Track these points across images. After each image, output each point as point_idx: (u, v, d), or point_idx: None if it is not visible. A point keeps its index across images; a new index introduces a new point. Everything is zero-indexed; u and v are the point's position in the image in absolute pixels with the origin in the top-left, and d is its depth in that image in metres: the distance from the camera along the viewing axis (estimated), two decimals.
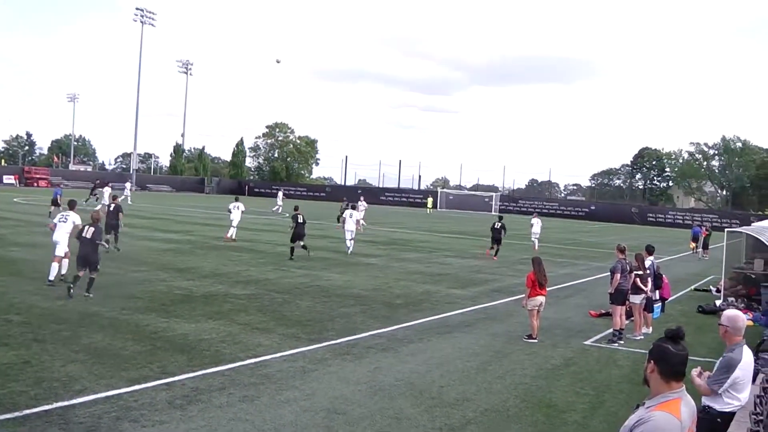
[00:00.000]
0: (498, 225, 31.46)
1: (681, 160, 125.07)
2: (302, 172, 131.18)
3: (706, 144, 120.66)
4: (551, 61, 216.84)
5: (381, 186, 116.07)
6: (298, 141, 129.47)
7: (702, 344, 14.19)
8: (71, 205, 18.68)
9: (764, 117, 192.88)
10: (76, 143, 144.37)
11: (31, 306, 14.62)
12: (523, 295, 15.35)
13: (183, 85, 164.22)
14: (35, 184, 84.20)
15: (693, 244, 42.67)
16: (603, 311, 17.67)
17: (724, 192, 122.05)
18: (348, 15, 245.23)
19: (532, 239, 37.48)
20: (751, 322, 17.40)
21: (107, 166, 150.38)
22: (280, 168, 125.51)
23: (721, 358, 7.14)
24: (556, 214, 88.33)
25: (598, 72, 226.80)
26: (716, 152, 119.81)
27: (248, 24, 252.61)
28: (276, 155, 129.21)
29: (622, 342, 14.88)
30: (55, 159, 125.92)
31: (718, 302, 20.22)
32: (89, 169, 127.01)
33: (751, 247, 25.05)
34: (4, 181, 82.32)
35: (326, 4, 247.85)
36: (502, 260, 30.15)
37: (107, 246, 19.23)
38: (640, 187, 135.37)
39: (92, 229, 16.52)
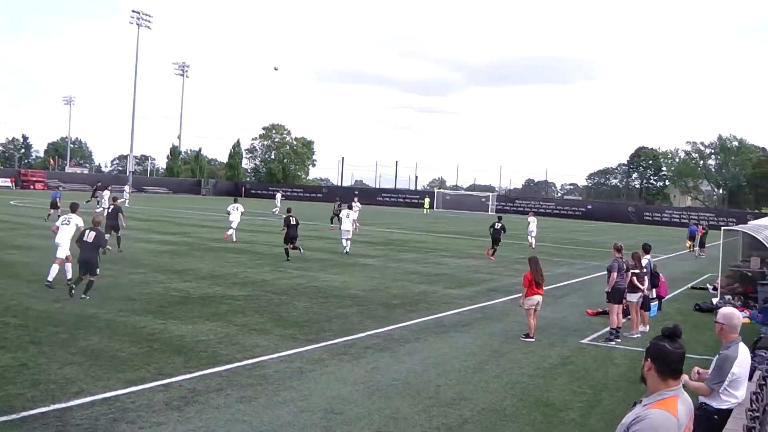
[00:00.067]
0: (498, 225, 31.57)
1: (677, 159, 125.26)
2: (299, 173, 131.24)
3: (702, 143, 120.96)
4: (547, 62, 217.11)
5: (378, 187, 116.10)
6: (295, 142, 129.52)
7: (699, 342, 14.20)
8: (73, 208, 18.70)
9: (760, 116, 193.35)
10: (72, 146, 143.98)
11: (28, 308, 14.60)
12: (520, 295, 15.36)
13: (179, 88, 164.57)
14: (31, 187, 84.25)
15: (689, 243, 42.74)
16: (600, 310, 17.68)
17: (721, 191, 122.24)
18: (344, 16, 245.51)
19: (529, 238, 37.78)
20: (747, 320, 17.43)
21: (104, 169, 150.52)
22: (277, 169, 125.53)
23: (717, 356, 7.15)
24: (553, 213, 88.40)
25: (594, 72, 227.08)
26: (713, 151, 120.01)
27: (244, 26, 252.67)
28: (272, 157, 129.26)
29: (619, 340, 14.89)
30: (51, 162, 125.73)
31: (714, 300, 20.25)
32: (86, 171, 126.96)
33: (748, 245, 25.12)
34: (1, 183, 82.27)
35: (322, 6, 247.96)
36: (499, 260, 30.16)
37: (110, 249, 19.24)
38: (637, 186, 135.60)
39: (93, 233, 16.56)
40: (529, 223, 38.38)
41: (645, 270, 16.39)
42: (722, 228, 24.12)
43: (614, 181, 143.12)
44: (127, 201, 55.54)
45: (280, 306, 16.63)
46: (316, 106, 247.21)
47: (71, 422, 8.29)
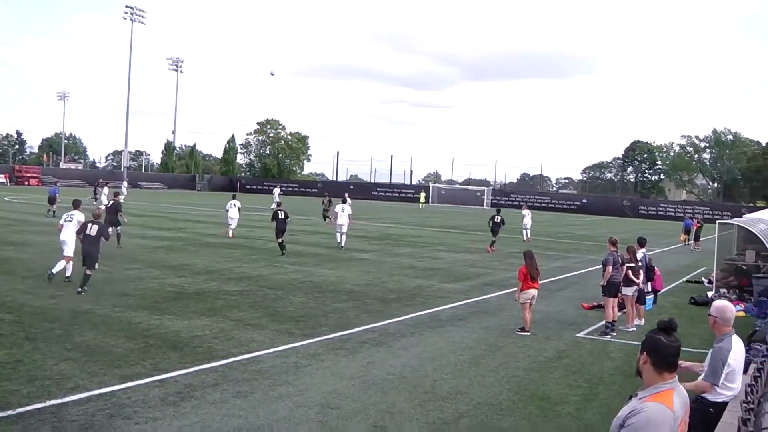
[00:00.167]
0: (497, 218, 32.10)
1: (672, 153, 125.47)
2: (294, 168, 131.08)
3: (697, 137, 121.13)
4: (542, 56, 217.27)
5: (373, 181, 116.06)
6: (289, 137, 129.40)
7: (694, 335, 14.21)
8: (76, 205, 18.80)
9: (755, 109, 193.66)
10: (66, 142, 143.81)
11: (23, 305, 14.57)
12: (516, 289, 15.37)
13: (173, 83, 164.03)
14: (26, 183, 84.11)
15: (684, 237, 42.82)
16: (595, 304, 17.72)
17: (716, 184, 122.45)
18: (338, 11, 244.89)
19: (524, 232, 38.00)
20: (742, 313, 17.49)
21: (98, 165, 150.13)
22: (272, 164, 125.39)
23: (711, 350, 7.17)
24: (548, 207, 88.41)
25: (588, 66, 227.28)
26: (707, 145, 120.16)
27: (239, 21, 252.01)
28: (267, 152, 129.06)
29: (614, 334, 14.91)
30: (45, 158, 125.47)
31: (710, 293, 20.29)
32: (80, 167, 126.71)
33: (743, 238, 25.16)
34: None
35: (316, 0, 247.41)
36: (494, 254, 30.20)
37: (118, 237, 19.17)
38: (632, 180, 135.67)
39: (96, 226, 16.79)
40: (523, 216, 38.76)
41: (640, 263, 16.40)
42: (717, 221, 24.17)
43: (609, 175, 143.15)
44: (122, 197, 55.46)
45: (276, 301, 16.63)
46: (310, 101, 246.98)
47: (67, 418, 8.28)
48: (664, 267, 24.32)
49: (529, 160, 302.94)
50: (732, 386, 7.03)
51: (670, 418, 4.07)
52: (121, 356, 11.10)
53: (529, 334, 14.45)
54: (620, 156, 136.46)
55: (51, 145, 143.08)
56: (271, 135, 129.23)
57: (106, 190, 44.33)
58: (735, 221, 25.56)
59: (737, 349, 7.14)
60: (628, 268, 15.66)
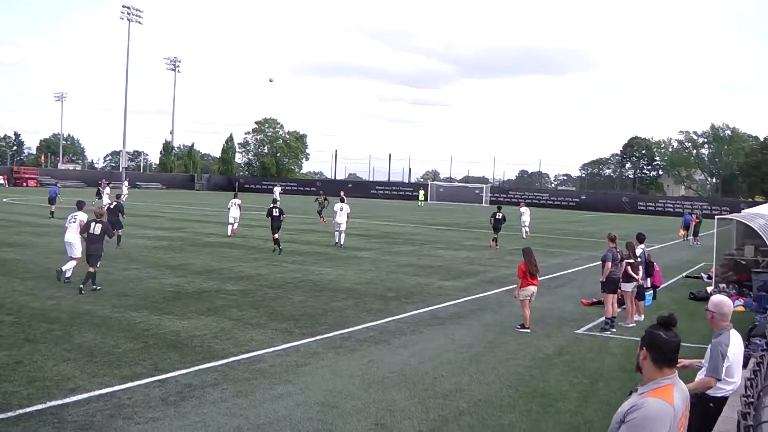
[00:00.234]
0: (499, 215, 32.40)
1: (671, 149, 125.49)
2: (292, 167, 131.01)
3: (695, 132, 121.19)
4: (539, 52, 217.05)
5: (371, 180, 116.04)
6: (288, 136, 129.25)
7: (694, 331, 14.22)
8: (80, 206, 19.00)
9: (753, 105, 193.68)
10: (64, 142, 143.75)
11: (22, 306, 14.57)
12: (515, 286, 15.38)
13: (171, 83, 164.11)
14: (24, 184, 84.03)
15: (683, 232, 42.82)
16: (595, 300, 17.72)
17: (714, 180, 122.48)
18: (335, 9, 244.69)
19: (523, 229, 38.05)
20: (742, 308, 17.54)
21: (96, 165, 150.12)
22: (270, 163, 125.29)
23: (710, 345, 7.17)
24: (547, 204, 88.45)
25: (587, 62, 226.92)
26: (705, 140, 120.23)
27: (235, 20, 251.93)
28: (266, 151, 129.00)
29: (614, 330, 14.93)
30: (42, 159, 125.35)
31: (709, 289, 20.29)
32: (78, 168, 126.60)
33: (742, 233, 25.15)
34: None
35: None
36: (494, 251, 30.24)
37: (119, 239, 19.29)
38: (630, 176, 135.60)
39: (99, 225, 17.00)
40: (521, 214, 38.88)
41: (639, 259, 16.42)
42: (716, 217, 24.17)
43: (608, 172, 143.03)
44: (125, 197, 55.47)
45: (276, 300, 16.63)
46: (308, 99, 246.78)
47: (68, 419, 8.28)
48: (664, 263, 24.36)
49: (528, 157, 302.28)
50: (731, 380, 7.03)
51: (671, 413, 4.07)
52: (121, 356, 11.10)
53: (528, 331, 14.46)
54: (618, 152, 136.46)
55: (49, 146, 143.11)
56: (270, 134, 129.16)
57: (108, 189, 44.35)
58: (734, 216, 25.52)
59: (736, 343, 7.15)
60: (628, 264, 15.68)
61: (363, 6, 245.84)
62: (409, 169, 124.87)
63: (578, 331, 14.94)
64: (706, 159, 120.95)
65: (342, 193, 36.13)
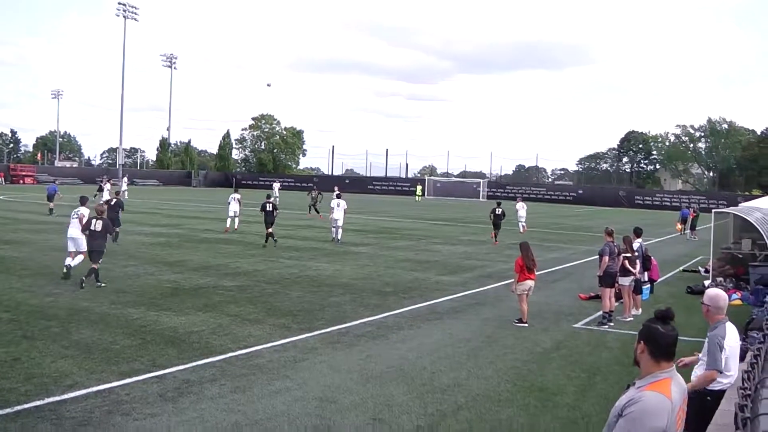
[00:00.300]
0: (498, 211, 32.55)
1: (668, 143, 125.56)
2: (289, 163, 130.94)
3: (692, 126, 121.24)
4: (536, 47, 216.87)
5: (369, 175, 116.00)
6: (284, 132, 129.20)
7: (691, 325, 14.24)
8: (82, 201, 19.31)
9: (749, 99, 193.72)
10: (61, 140, 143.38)
11: (20, 303, 14.55)
12: (512, 280, 15.39)
13: (167, 80, 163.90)
14: (21, 182, 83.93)
15: (680, 226, 42.84)
16: (592, 294, 17.74)
17: (711, 174, 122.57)
18: (332, 4, 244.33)
19: (519, 223, 38.14)
20: (739, 302, 17.55)
21: (93, 162, 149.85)
22: (267, 159, 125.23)
23: (707, 339, 7.19)
24: (544, 199, 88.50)
25: (583, 57, 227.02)
26: (702, 134, 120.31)
27: (232, 16, 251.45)
28: (262, 147, 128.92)
29: (611, 324, 14.94)
30: (39, 156, 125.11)
31: (706, 282, 20.27)
32: (75, 165, 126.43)
33: (739, 227, 25.19)
34: None
35: None
36: (491, 246, 30.26)
37: (116, 240, 19.48)
38: (627, 170, 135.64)
39: (100, 222, 17.13)
40: (517, 209, 39.00)
41: (637, 253, 16.43)
42: (713, 211, 24.19)
43: (605, 166, 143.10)
44: (126, 193, 55.45)
45: (273, 295, 16.63)
46: (304, 95, 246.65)
47: (66, 415, 8.28)
48: (661, 256, 24.38)
49: (525, 152, 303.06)
50: (729, 374, 7.04)
51: (668, 407, 4.08)
52: (118, 353, 11.10)
53: (526, 325, 14.47)
54: (616, 146, 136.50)
55: (46, 144, 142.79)
56: (266, 130, 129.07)
57: (108, 185, 44.35)
58: (731, 210, 25.58)
59: (732, 335, 7.16)
60: (625, 258, 15.68)
61: (360, 2, 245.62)
62: (407, 165, 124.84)
63: (576, 326, 14.96)
64: (703, 153, 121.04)
65: (336, 188, 36.09)
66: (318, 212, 43.64)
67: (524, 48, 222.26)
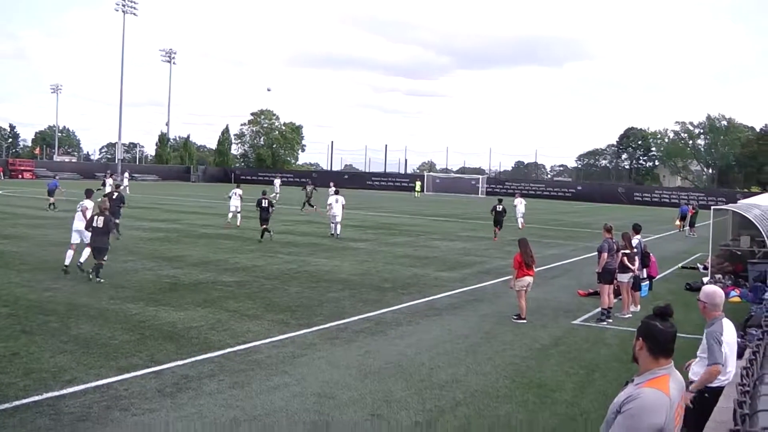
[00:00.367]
0: (499, 207, 32.69)
1: (667, 140, 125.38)
2: (288, 158, 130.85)
3: (691, 123, 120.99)
4: (536, 42, 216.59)
5: (368, 171, 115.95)
6: (284, 127, 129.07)
7: (690, 321, 14.25)
8: (88, 194, 19.64)
9: (749, 95, 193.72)
10: (60, 134, 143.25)
11: (19, 298, 14.55)
12: (511, 277, 15.40)
13: (167, 74, 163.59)
14: (20, 176, 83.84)
15: (679, 222, 42.82)
16: (591, 290, 17.74)
17: (710, 170, 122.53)
18: (331, 1, 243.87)
19: (518, 219, 38.22)
20: (738, 299, 17.57)
21: (92, 157, 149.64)
22: (266, 155, 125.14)
23: (704, 335, 7.19)
24: (543, 195, 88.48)
25: (582, 53, 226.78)
26: (702, 131, 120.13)
27: (231, 11, 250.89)
28: (261, 142, 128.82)
29: (610, 321, 14.94)
30: (38, 151, 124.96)
31: (705, 279, 20.30)
32: (74, 160, 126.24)
33: (738, 224, 25.18)
34: None
35: None
36: (490, 242, 30.28)
37: (118, 234, 19.65)
38: (627, 167, 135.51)
39: (102, 218, 17.19)
40: (516, 205, 39.09)
41: (635, 250, 16.43)
42: (712, 207, 24.19)
43: (604, 162, 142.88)
44: (127, 188, 55.42)
45: (272, 291, 16.63)
46: (303, 91, 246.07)
47: (64, 410, 8.27)
48: (660, 253, 24.39)
49: (524, 148, 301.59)
50: (727, 370, 7.04)
51: (667, 403, 4.08)
52: (117, 348, 11.10)
53: (525, 321, 14.48)
54: (615, 143, 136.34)
55: (44, 138, 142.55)
56: (265, 125, 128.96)
57: (110, 180, 44.40)
58: (730, 207, 25.55)
59: (729, 331, 7.17)
60: (624, 254, 15.68)
61: None
62: (405, 161, 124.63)
63: (574, 322, 14.97)
64: (702, 150, 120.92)
65: (332, 184, 35.98)
66: (312, 206, 43.58)
67: (524, 44, 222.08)
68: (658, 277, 20.14)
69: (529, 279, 14.82)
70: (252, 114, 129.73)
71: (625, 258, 15.67)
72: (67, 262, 17.79)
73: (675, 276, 22.87)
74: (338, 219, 29.46)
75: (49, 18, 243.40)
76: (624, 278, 15.73)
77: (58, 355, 10.57)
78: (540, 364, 11.53)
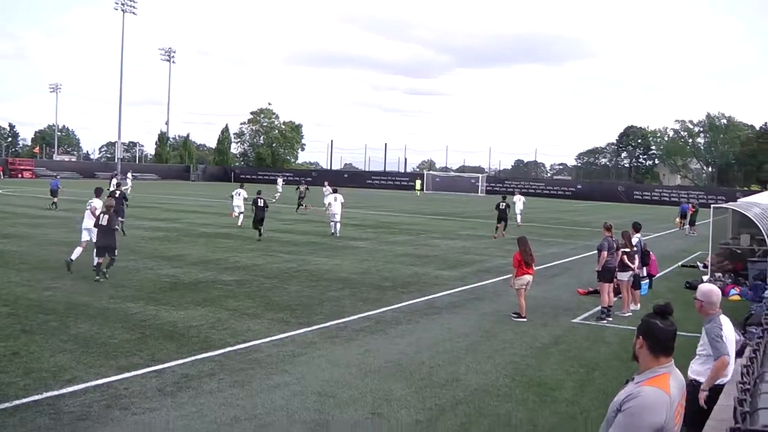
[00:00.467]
0: (502, 205, 32.71)
1: (666, 138, 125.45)
2: (288, 157, 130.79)
3: (691, 121, 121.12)
4: (535, 41, 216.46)
5: (367, 170, 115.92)
6: (283, 126, 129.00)
7: (690, 320, 14.21)
8: (97, 193, 19.86)
9: (748, 94, 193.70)
10: (59, 134, 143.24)
11: (18, 297, 14.55)
12: (511, 275, 15.40)
13: (166, 74, 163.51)
14: (19, 176, 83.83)
15: (679, 221, 42.80)
16: (591, 289, 17.74)
17: (710, 169, 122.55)
18: None
19: (517, 216, 38.33)
20: (738, 297, 17.58)
21: (91, 156, 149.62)
22: (266, 154, 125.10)
23: (703, 332, 7.20)
24: (543, 193, 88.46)
25: (582, 51, 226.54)
26: (701, 129, 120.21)
27: (230, 10, 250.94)
28: (261, 141, 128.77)
29: (610, 319, 14.94)
30: (37, 150, 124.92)
31: (705, 278, 20.30)
32: (73, 159, 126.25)
33: (738, 222, 25.20)
34: None
35: None
36: (490, 240, 30.28)
37: (123, 233, 19.80)
38: (626, 165, 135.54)
39: (107, 216, 17.38)
40: (515, 203, 39.09)
41: (635, 249, 16.43)
42: (712, 206, 24.19)
43: (604, 161, 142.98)
44: (130, 188, 55.34)
45: (272, 290, 16.63)
46: (303, 89, 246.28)
47: (64, 410, 8.27)
48: (660, 252, 24.39)
49: (524, 147, 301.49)
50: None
51: (667, 402, 4.08)
52: (117, 347, 11.10)
53: (524, 320, 14.48)
54: (614, 141, 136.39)
55: (44, 138, 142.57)
56: (265, 124, 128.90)
57: (114, 180, 44.45)
58: (730, 205, 25.56)
59: (727, 327, 7.18)
60: (624, 253, 15.68)
61: None
62: (405, 159, 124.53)
63: (574, 321, 14.97)
64: (702, 148, 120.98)
65: (326, 183, 35.84)
66: (304, 206, 43.42)
67: (523, 42, 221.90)
68: (658, 275, 20.14)
69: (528, 277, 14.83)
70: (252, 113, 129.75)
71: (625, 256, 15.67)
72: (73, 257, 17.84)
73: (675, 274, 22.87)
74: (337, 218, 29.47)
75: (49, 18, 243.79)
76: (624, 277, 15.73)
77: (58, 354, 10.57)
78: (540, 362, 11.54)
